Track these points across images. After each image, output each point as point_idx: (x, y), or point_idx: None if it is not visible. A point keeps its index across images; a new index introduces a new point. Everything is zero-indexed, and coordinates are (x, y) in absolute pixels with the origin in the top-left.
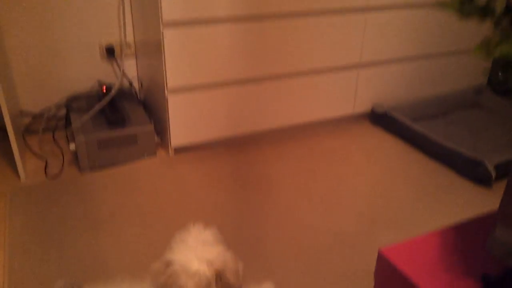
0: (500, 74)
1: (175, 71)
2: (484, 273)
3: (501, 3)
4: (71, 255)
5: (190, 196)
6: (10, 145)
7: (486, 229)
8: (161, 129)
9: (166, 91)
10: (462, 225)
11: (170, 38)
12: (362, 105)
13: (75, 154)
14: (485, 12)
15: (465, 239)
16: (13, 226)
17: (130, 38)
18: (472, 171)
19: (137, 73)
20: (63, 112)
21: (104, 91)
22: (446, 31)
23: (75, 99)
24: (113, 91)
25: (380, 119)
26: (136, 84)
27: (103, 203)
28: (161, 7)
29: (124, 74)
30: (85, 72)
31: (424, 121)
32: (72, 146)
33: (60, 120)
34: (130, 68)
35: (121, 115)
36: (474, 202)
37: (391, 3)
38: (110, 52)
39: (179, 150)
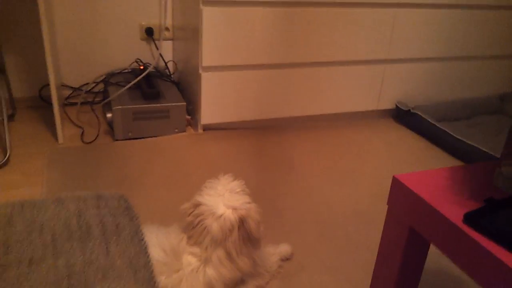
0: None
1: (210, 51)
2: (489, 197)
3: None
4: None
5: (215, 168)
6: (52, 114)
7: (493, 169)
8: (192, 109)
9: (200, 69)
10: (471, 165)
11: (208, 18)
12: (387, 102)
13: (110, 124)
14: None
15: (474, 175)
16: (49, 180)
17: (169, 22)
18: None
19: (173, 56)
20: (101, 87)
21: (142, 68)
22: (477, 34)
23: (113, 76)
24: (150, 68)
25: (403, 116)
26: (171, 67)
27: (133, 168)
28: None
29: (161, 55)
30: (124, 51)
31: (446, 122)
32: (109, 115)
33: (98, 94)
34: (167, 50)
35: (156, 90)
36: None
37: (422, 1)
38: (149, 33)
39: (207, 128)
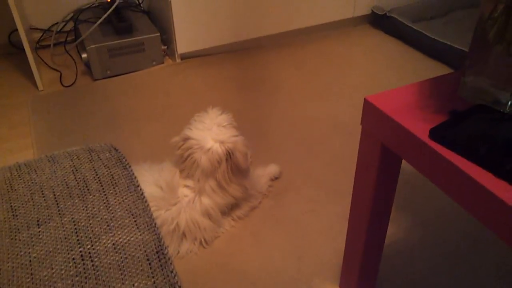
0: None
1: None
2: (453, 109)
3: None
4: None
5: (198, 97)
6: (25, 60)
7: (459, 79)
8: (167, 38)
9: None
10: (438, 77)
11: None
12: (362, 8)
13: (87, 64)
14: None
15: (441, 88)
16: (37, 129)
17: None
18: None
19: None
20: (71, 25)
21: (109, 0)
22: None
23: (82, 12)
24: (117, 1)
25: (380, 21)
26: None
27: (118, 106)
28: None
29: None
30: None
31: (424, 21)
32: (84, 55)
33: (70, 33)
34: None
35: (128, 23)
36: None
37: None
38: None
39: (185, 57)
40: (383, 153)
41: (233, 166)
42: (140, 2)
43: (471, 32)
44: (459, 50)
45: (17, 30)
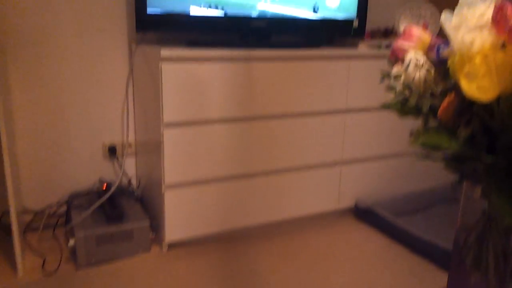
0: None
1: (172, 168)
2: None
3: (426, 104)
4: None
5: None
6: (10, 242)
7: None
8: (156, 225)
9: (163, 187)
10: None
11: (169, 138)
12: (346, 201)
13: (73, 250)
14: (417, 112)
15: None
16: None
17: (131, 137)
18: (449, 262)
19: (136, 171)
20: (64, 209)
21: (104, 188)
22: None
23: (76, 197)
24: (112, 189)
25: (363, 214)
26: (134, 182)
27: None
28: (162, 111)
29: (124, 173)
30: (87, 170)
31: (405, 216)
32: (71, 242)
33: (61, 217)
34: (130, 166)
35: (120, 211)
36: None
37: (368, 106)
38: (112, 151)
39: (172, 245)
40: None
41: None
42: (135, 188)
43: (453, 228)
44: (442, 249)
45: (8, 211)
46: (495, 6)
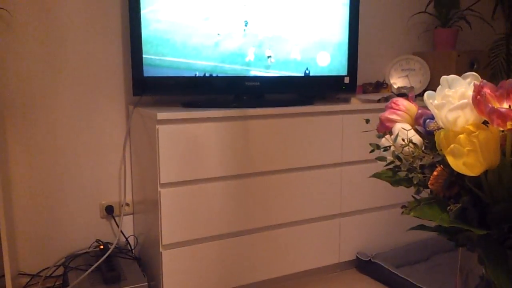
0: None
1: (170, 227)
2: None
3: (416, 178)
4: None
5: None
6: None
7: None
8: (154, 285)
9: (160, 247)
10: None
11: (166, 197)
12: (347, 253)
13: None
14: (409, 182)
15: None
16: None
17: (129, 197)
18: None
19: (134, 230)
20: (61, 271)
21: (101, 249)
22: None
23: (73, 258)
24: (110, 250)
25: (365, 266)
26: (132, 241)
27: None
28: (159, 171)
29: (121, 232)
30: (84, 231)
31: (407, 266)
32: None
33: (58, 279)
34: (127, 225)
35: (117, 273)
36: None
37: (364, 158)
38: (109, 211)
39: None
40: None
41: None
42: (133, 247)
43: (454, 277)
44: None
45: (3, 276)
46: (474, 87)
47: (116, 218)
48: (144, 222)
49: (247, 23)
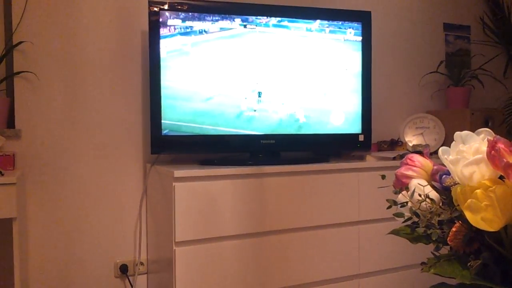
0: None
1: (185, 287)
2: None
3: (435, 234)
4: None
5: None
6: None
7: None
8: None
9: None
10: None
11: (181, 256)
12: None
13: None
14: (428, 238)
15: None
16: None
17: (143, 256)
18: None
19: None
20: None
21: None
22: None
23: None
24: None
25: None
26: None
27: None
28: (174, 229)
29: None
30: None
31: None
32: None
33: None
34: (142, 284)
35: None
36: None
37: (382, 216)
38: (123, 270)
39: None
40: None
41: None
42: None
43: None
44: None
45: None
46: (488, 142)
47: (130, 278)
48: (159, 281)
49: (260, 94)
